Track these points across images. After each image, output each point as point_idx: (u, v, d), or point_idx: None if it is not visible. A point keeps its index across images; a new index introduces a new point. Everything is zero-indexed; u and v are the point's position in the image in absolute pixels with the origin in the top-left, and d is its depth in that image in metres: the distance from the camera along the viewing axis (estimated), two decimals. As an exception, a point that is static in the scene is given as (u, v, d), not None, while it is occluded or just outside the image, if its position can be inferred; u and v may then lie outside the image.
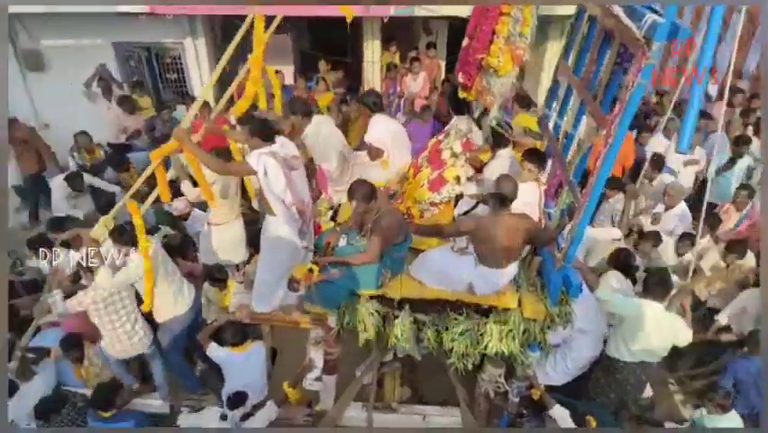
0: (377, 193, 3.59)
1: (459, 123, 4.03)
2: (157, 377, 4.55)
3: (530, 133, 4.47)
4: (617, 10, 2.97)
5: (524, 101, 5.11)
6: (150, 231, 5.18)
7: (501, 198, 3.40)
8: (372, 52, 7.93)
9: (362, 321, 3.86)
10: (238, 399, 3.85)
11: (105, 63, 7.45)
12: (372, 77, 8.12)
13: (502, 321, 3.79)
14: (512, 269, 3.64)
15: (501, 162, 4.31)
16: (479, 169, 4.34)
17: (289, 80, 8.09)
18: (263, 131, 3.60)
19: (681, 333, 3.89)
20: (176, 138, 3.55)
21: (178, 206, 5.42)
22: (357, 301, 3.85)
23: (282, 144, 3.67)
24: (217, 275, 4.68)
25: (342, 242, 3.84)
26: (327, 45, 8.71)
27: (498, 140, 4.27)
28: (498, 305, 3.76)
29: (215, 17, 7.82)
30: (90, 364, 4.57)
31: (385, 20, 7.01)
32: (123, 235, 3.86)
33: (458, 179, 3.98)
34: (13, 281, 4.94)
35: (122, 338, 4.25)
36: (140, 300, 4.26)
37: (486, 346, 3.83)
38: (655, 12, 2.91)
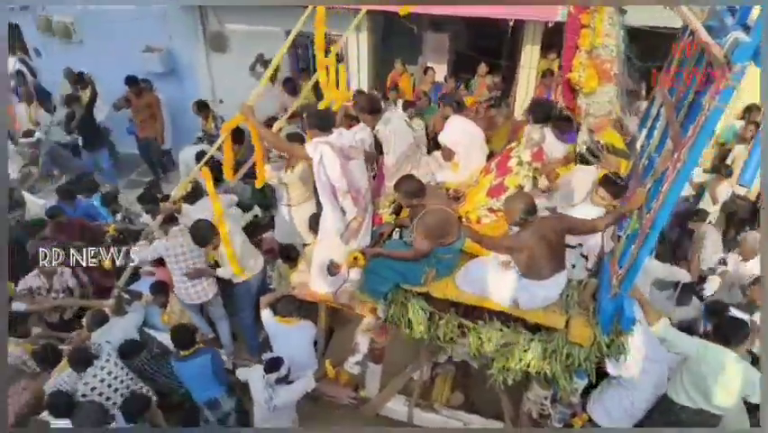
0: (424, 190, 3.62)
1: (532, 131, 3.90)
2: (222, 336, 4.96)
3: (616, 151, 4.19)
4: (698, 25, 2.71)
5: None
6: (244, 207, 5.68)
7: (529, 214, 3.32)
8: (531, 58, 7.61)
9: (408, 317, 3.93)
10: (273, 363, 4.06)
11: (263, 53, 7.98)
12: (527, 82, 7.80)
13: (547, 340, 3.65)
14: (557, 280, 3.49)
15: (580, 176, 4.11)
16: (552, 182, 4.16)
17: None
18: (321, 123, 3.79)
19: (754, 386, 3.45)
20: (241, 113, 3.85)
21: None
22: (405, 297, 3.92)
23: (340, 134, 3.82)
24: (290, 254, 5.00)
25: (396, 236, 3.91)
26: (483, 47, 8.59)
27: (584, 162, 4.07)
28: (544, 322, 3.62)
29: (378, 14, 7.79)
30: (171, 311, 5.12)
31: (550, 24, 6.75)
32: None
33: (520, 187, 3.86)
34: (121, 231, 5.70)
35: (186, 285, 4.70)
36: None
37: (528, 364, 3.72)
38: (745, 26, 2.63)
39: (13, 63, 8.65)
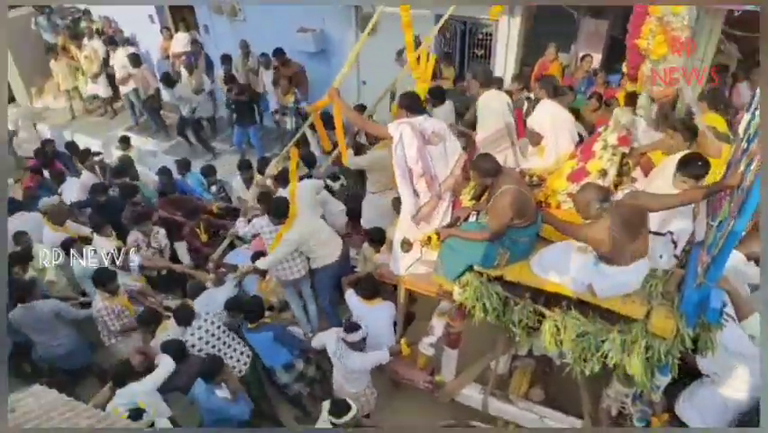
0: (500, 171, 3.62)
1: (620, 115, 3.74)
2: (310, 312, 5.26)
3: (718, 135, 3.90)
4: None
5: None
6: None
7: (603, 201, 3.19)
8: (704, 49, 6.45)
9: (483, 301, 3.93)
10: (351, 326, 4.25)
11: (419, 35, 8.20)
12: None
13: (626, 331, 3.49)
14: (638, 267, 3.32)
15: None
16: (646, 170, 3.95)
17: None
18: (411, 104, 3.92)
19: None
20: (328, 95, 4.09)
21: None
22: (480, 280, 3.93)
23: (425, 119, 3.93)
24: (375, 237, 5.18)
25: (473, 218, 3.94)
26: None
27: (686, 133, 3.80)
28: (622, 311, 3.46)
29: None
30: (269, 281, 5.50)
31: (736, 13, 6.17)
32: (282, 178, 4.59)
33: (603, 172, 3.73)
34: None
35: (283, 263, 4.98)
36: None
37: (606, 356, 3.57)
38: None
39: (186, 39, 9.76)
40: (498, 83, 4.62)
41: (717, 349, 3.52)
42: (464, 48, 8.73)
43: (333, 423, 3.68)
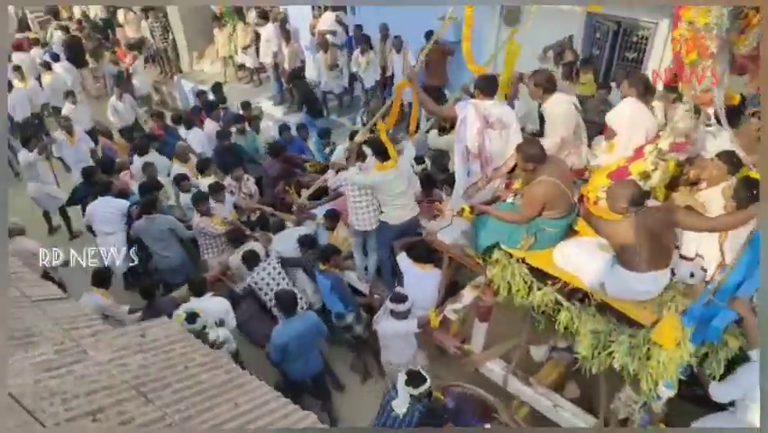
0: (544, 159, 3.73)
1: (680, 119, 3.64)
2: (370, 264, 5.73)
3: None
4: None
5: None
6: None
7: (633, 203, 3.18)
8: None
9: (508, 280, 4.13)
10: (398, 297, 4.62)
11: (573, 35, 7.79)
12: None
13: (635, 336, 3.52)
14: (656, 277, 3.33)
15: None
16: (694, 182, 3.81)
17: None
18: (484, 87, 4.18)
19: None
20: (408, 78, 4.42)
21: None
22: (508, 260, 4.12)
23: (493, 104, 4.14)
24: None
25: (510, 199, 4.11)
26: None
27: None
28: (631, 315, 3.49)
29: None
30: (338, 235, 6.09)
31: None
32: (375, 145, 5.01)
33: (645, 174, 3.67)
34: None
35: (357, 213, 5.37)
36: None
37: (612, 354, 3.63)
38: None
39: (332, 19, 10.30)
40: (650, 92, 4.48)
41: (732, 377, 3.45)
42: (614, 50, 8.06)
43: (411, 394, 3.88)
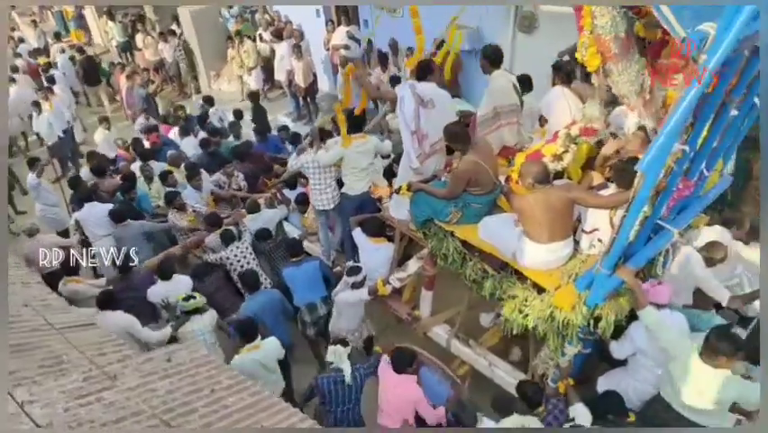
0: (468, 141, 4.15)
1: (589, 107, 4.02)
2: (336, 235, 6.23)
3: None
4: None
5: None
6: None
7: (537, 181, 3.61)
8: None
9: (443, 252, 4.58)
10: (353, 270, 5.09)
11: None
12: None
13: (542, 300, 3.96)
14: (556, 248, 3.76)
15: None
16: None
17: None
18: (419, 70, 4.64)
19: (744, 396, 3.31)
20: (354, 64, 4.83)
21: None
22: (444, 234, 4.56)
23: (426, 87, 4.54)
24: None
25: (444, 178, 4.54)
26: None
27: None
28: (538, 281, 3.93)
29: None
30: (309, 217, 6.57)
31: None
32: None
33: (556, 156, 4.07)
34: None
35: (318, 194, 5.94)
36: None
37: (527, 316, 4.08)
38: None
39: (345, 33, 10.42)
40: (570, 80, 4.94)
41: (624, 336, 3.91)
42: None
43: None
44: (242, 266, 5.76)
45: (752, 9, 2.32)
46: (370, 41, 10.05)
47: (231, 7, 12.84)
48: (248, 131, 9.14)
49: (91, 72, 12.60)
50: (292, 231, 6.55)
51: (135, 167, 7.62)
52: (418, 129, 4.56)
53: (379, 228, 5.45)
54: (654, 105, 3.67)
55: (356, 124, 5.45)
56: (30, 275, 4.82)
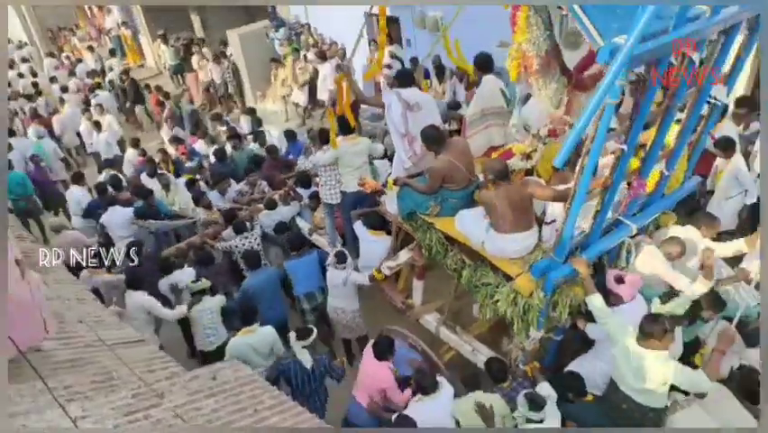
0: (443, 141, 4.56)
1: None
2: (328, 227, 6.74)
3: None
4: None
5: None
6: None
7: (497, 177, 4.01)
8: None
9: (427, 242, 5.00)
10: (340, 255, 5.60)
11: None
12: None
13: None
14: (520, 238, 4.12)
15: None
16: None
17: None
18: (401, 78, 5.06)
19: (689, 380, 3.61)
20: (344, 72, 5.35)
21: None
22: (428, 226, 4.97)
23: (411, 92, 4.98)
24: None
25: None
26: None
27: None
28: (502, 268, 4.29)
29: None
30: (319, 214, 7.09)
31: None
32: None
33: (525, 155, 4.43)
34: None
35: (325, 188, 6.36)
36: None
37: (497, 303, 4.45)
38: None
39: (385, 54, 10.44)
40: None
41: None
42: None
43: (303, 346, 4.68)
44: None
45: (652, 10, 2.63)
46: (415, 59, 10.32)
47: (277, 30, 13.45)
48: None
49: (134, 93, 13.77)
50: (304, 226, 7.07)
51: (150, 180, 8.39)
52: (408, 132, 5.00)
53: (378, 221, 5.89)
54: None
55: (346, 127, 5.95)
56: (84, 292, 5.00)
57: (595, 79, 4.08)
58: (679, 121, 4.08)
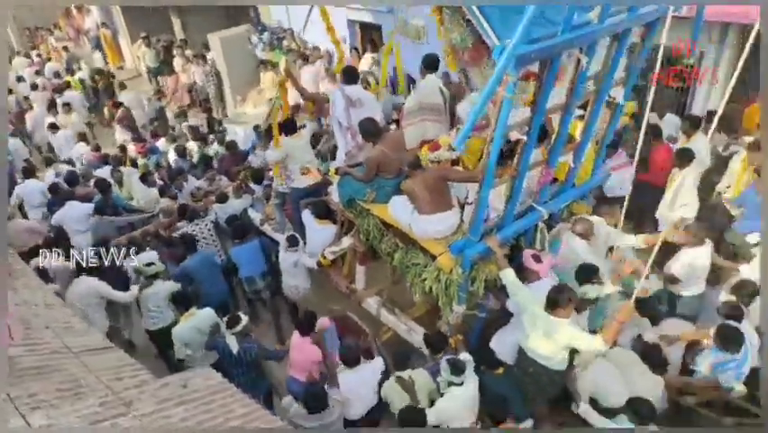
0: (379, 134, 5.00)
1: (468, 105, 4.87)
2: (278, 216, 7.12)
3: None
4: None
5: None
6: None
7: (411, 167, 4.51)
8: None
9: (365, 228, 5.41)
10: (291, 239, 5.98)
11: None
12: None
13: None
14: (440, 218, 4.55)
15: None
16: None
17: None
18: (346, 75, 5.45)
19: (573, 341, 4.08)
20: (285, 73, 5.74)
21: None
22: (365, 212, 5.38)
23: (354, 89, 5.41)
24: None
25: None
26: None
27: None
28: (427, 247, 4.72)
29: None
30: (269, 205, 7.46)
31: None
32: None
33: (450, 147, 4.88)
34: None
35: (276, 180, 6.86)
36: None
37: (424, 280, 4.88)
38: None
39: (371, 60, 10.90)
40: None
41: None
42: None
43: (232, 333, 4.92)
44: (204, 237, 6.75)
45: (531, 15, 3.07)
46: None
47: (261, 34, 13.64)
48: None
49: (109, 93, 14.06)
50: (255, 217, 7.43)
51: (104, 172, 8.67)
52: (350, 125, 5.42)
53: (324, 210, 6.28)
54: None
55: (291, 126, 6.31)
56: (53, 297, 4.98)
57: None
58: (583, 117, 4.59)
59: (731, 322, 4.35)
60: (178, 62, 14.43)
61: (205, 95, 14.06)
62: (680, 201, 5.99)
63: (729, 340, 4.20)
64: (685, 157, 5.92)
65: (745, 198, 5.84)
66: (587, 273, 4.63)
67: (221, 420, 3.04)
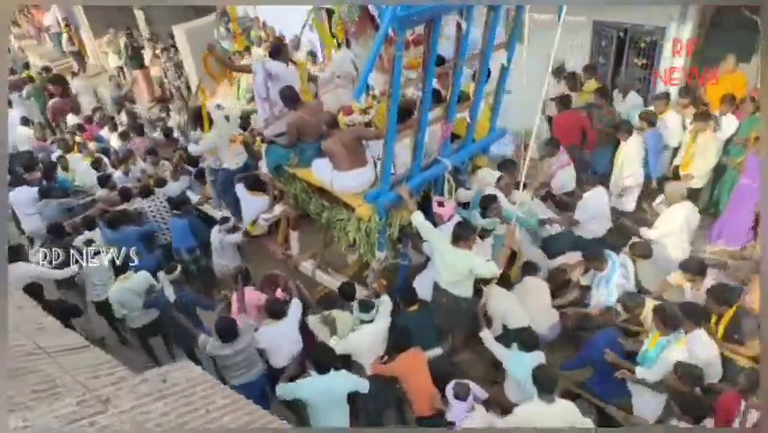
0: (299, 102, 5.52)
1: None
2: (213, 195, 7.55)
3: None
4: None
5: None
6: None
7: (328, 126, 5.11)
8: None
9: (293, 192, 5.93)
10: (222, 219, 6.45)
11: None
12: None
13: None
14: (356, 174, 5.11)
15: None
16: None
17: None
18: (274, 52, 6.01)
19: (474, 267, 4.73)
20: (209, 49, 6.22)
21: None
22: (292, 178, 5.88)
23: (274, 64, 5.92)
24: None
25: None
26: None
27: None
28: (349, 202, 5.28)
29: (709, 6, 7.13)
30: (207, 186, 7.84)
31: None
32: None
33: (362, 111, 5.50)
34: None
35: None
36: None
37: (348, 232, 5.44)
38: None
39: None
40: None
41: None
42: (621, 56, 8.02)
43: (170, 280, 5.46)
44: (159, 211, 7.12)
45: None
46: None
47: (227, 26, 12.95)
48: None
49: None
50: (194, 198, 7.79)
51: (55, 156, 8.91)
52: (268, 97, 5.92)
53: (256, 183, 6.74)
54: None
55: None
56: (25, 299, 4.92)
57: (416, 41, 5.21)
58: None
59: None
60: (147, 55, 14.15)
61: (177, 87, 13.71)
62: (625, 172, 6.53)
63: (597, 258, 5.14)
64: (624, 127, 6.45)
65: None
66: (486, 201, 5.38)
67: (202, 412, 3.05)
